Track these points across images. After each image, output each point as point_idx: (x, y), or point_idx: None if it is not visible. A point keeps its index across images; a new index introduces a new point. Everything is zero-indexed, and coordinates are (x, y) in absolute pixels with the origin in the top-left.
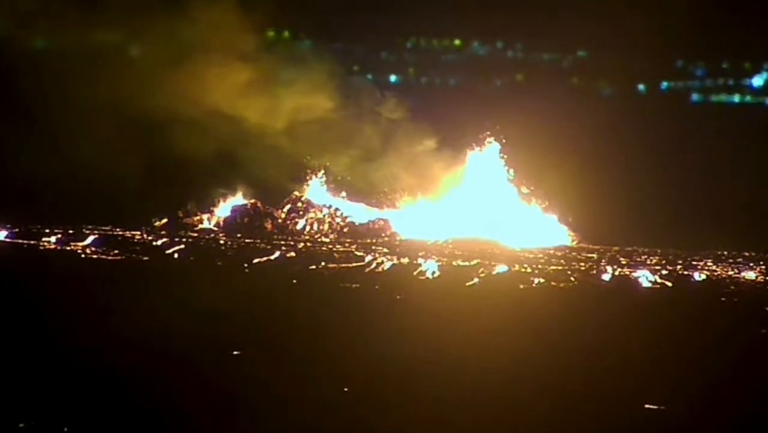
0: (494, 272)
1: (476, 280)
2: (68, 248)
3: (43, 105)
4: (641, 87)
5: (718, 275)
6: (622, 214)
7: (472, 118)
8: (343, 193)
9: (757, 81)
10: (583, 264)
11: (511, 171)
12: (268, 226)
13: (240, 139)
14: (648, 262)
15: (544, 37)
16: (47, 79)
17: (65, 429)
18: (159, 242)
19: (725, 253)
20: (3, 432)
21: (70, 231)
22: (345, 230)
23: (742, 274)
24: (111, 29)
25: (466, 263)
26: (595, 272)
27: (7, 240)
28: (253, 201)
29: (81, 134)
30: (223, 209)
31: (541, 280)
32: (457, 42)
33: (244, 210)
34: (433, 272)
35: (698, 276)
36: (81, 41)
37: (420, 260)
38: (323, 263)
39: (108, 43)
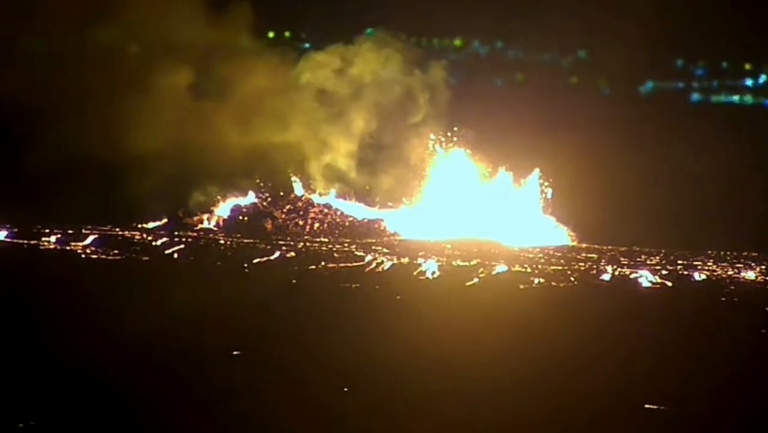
0: (494, 272)
1: (476, 280)
2: (68, 248)
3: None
4: (641, 87)
5: (718, 275)
6: (622, 215)
7: (471, 117)
8: (343, 193)
9: (758, 81)
10: (583, 264)
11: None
12: (268, 226)
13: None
14: (648, 262)
15: (544, 37)
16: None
17: (65, 429)
18: (159, 242)
19: (725, 253)
20: (3, 432)
21: (70, 231)
22: (345, 229)
23: (742, 274)
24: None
25: (466, 263)
26: (595, 272)
27: (7, 240)
28: (253, 201)
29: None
30: (223, 209)
31: (541, 280)
32: (457, 42)
33: (244, 210)
34: (433, 272)
35: (698, 276)
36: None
37: (420, 260)
38: (323, 263)
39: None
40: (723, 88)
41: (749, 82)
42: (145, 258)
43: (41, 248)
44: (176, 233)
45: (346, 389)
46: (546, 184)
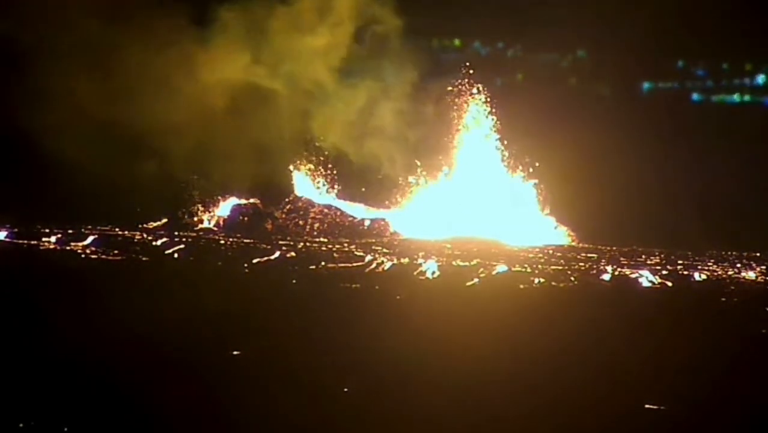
0: (494, 272)
1: (476, 280)
2: (68, 248)
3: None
4: (641, 87)
5: (718, 275)
6: (622, 214)
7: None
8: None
9: (758, 81)
10: (583, 264)
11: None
12: (268, 226)
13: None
14: (648, 262)
15: (544, 37)
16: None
17: (65, 429)
18: (159, 242)
19: (725, 253)
20: (3, 432)
21: (70, 231)
22: (344, 229)
23: (742, 274)
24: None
25: (466, 263)
26: (595, 272)
27: (7, 240)
28: (253, 201)
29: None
30: (223, 209)
31: (541, 280)
32: (457, 42)
33: (244, 210)
34: (433, 272)
35: (698, 276)
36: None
37: (420, 260)
38: (323, 263)
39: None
40: (723, 88)
41: (749, 81)
42: (145, 258)
43: (41, 248)
44: (176, 233)
45: (346, 390)
46: (545, 183)
